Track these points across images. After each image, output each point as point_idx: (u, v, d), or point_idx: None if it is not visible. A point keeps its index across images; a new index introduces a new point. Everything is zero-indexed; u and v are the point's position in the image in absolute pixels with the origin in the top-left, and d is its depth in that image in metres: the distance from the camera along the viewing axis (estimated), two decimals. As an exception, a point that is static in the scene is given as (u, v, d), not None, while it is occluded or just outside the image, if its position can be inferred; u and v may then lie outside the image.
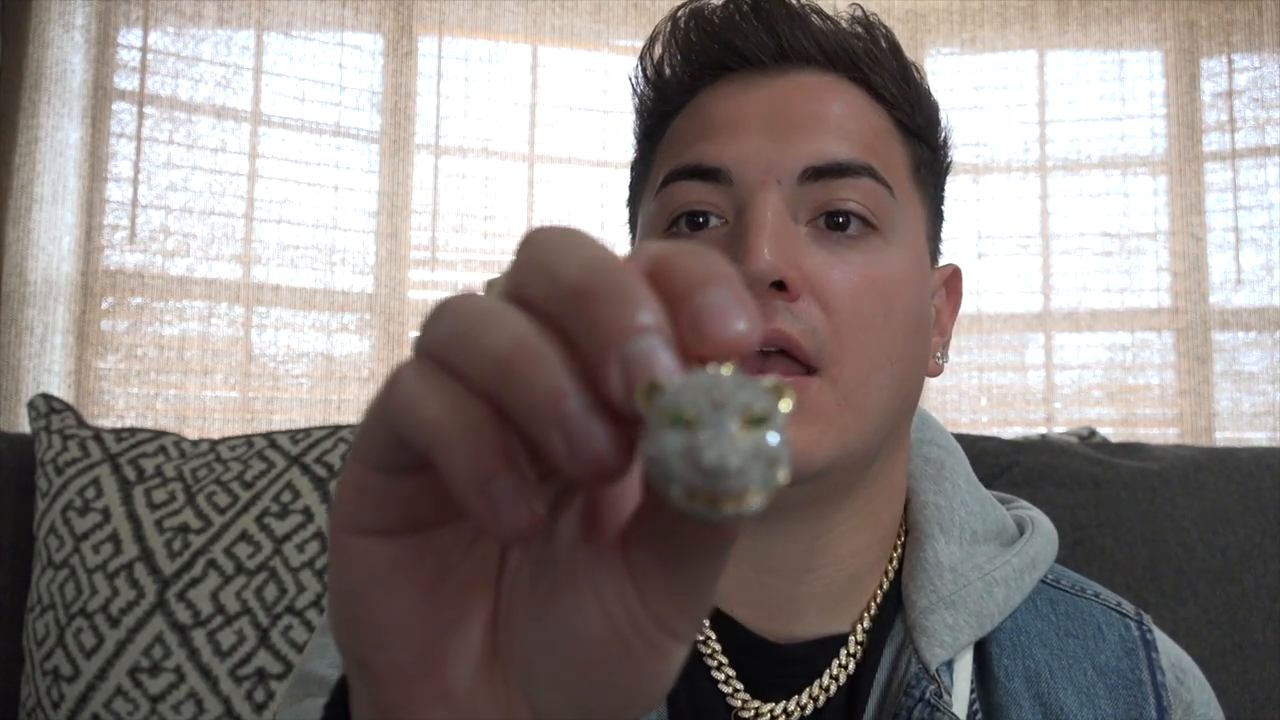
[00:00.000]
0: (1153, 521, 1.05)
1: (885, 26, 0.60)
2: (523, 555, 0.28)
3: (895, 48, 0.59)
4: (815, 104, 0.55)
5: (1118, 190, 2.77)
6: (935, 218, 0.61)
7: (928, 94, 0.61)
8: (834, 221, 0.53)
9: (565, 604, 0.27)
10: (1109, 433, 2.01)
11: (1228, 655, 0.94)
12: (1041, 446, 1.14)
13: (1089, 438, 1.26)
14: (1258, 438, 2.61)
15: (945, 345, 0.62)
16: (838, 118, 0.55)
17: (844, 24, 0.58)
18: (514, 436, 0.23)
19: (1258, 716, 0.96)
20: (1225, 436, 2.65)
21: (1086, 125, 2.78)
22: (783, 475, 0.23)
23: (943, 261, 0.63)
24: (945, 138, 0.62)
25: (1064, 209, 2.76)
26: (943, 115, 0.62)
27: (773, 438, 0.23)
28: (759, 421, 0.22)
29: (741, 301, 0.23)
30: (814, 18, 0.58)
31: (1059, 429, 2.61)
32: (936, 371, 0.60)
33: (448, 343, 0.24)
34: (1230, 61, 2.72)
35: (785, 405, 0.23)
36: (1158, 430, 2.69)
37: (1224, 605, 1.02)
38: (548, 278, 0.24)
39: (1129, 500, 1.06)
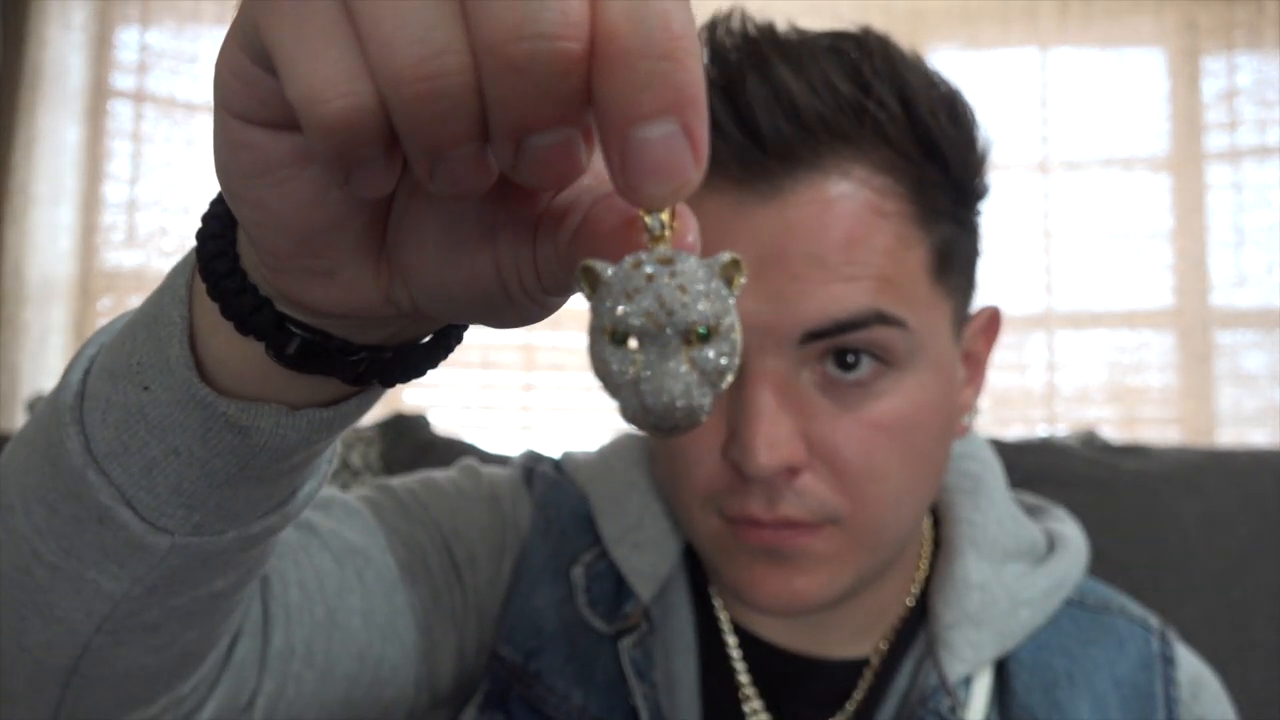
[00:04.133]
0: (1153, 523, 1.05)
1: (887, 56, 0.50)
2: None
3: (906, 98, 0.50)
4: (812, 237, 0.48)
5: (1119, 189, 2.76)
6: (967, 291, 0.56)
7: (953, 132, 0.51)
8: (843, 361, 0.49)
9: (459, 244, 0.26)
10: (1110, 433, 2.01)
11: (1228, 656, 0.94)
12: (1042, 448, 1.14)
13: (1090, 441, 1.26)
14: (1259, 438, 2.61)
15: (977, 393, 0.59)
16: (838, 251, 0.48)
17: (838, 80, 0.49)
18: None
19: (1258, 716, 0.96)
20: (1227, 437, 2.64)
21: (1088, 124, 2.78)
22: (729, 379, 0.22)
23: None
24: (983, 164, 0.54)
25: (1065, 208, 2.76)
26: (979, 136, 0.53)
27: (719, 351, 0.22)
28: (704, 337, 0.22)
29: (695, 137, 0.21)
30: (798, 94, 0.48)
31: (1060, 429, 2.61)
32: (963, 433, 0.58)
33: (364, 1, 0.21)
34: (1231, 61, 2.71)
35: (740, 278, 0.23)
36: (1158, 431, 2.69)
37: (1225, 606, 1.01)
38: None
39: (1130, 501, 1.06)
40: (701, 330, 0.22)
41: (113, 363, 0.33)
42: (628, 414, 0.22)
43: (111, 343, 0.34)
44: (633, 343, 0.22)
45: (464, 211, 0.26)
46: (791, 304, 0.48)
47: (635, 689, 0.55)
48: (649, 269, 0.22)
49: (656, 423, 0.22)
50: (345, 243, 0.26)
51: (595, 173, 0.25)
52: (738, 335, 0.23)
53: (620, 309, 0.22)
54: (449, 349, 0.32)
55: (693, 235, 0.23)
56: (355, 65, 0.21)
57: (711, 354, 0.22)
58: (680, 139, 0.21)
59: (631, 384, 0.22)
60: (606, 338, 0.22)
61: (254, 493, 0.34)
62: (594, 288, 0.23)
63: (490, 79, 0.20)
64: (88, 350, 0.36)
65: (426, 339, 0.32)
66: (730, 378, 0.23)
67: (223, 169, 0.25)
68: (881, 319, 0.49)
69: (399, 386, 0.35)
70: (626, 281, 0.22)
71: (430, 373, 0.33)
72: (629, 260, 0.22)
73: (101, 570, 0.34)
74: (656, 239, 0.22)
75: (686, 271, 0.22)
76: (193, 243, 0.32)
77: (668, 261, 0.22)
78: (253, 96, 0.23)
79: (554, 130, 0.21)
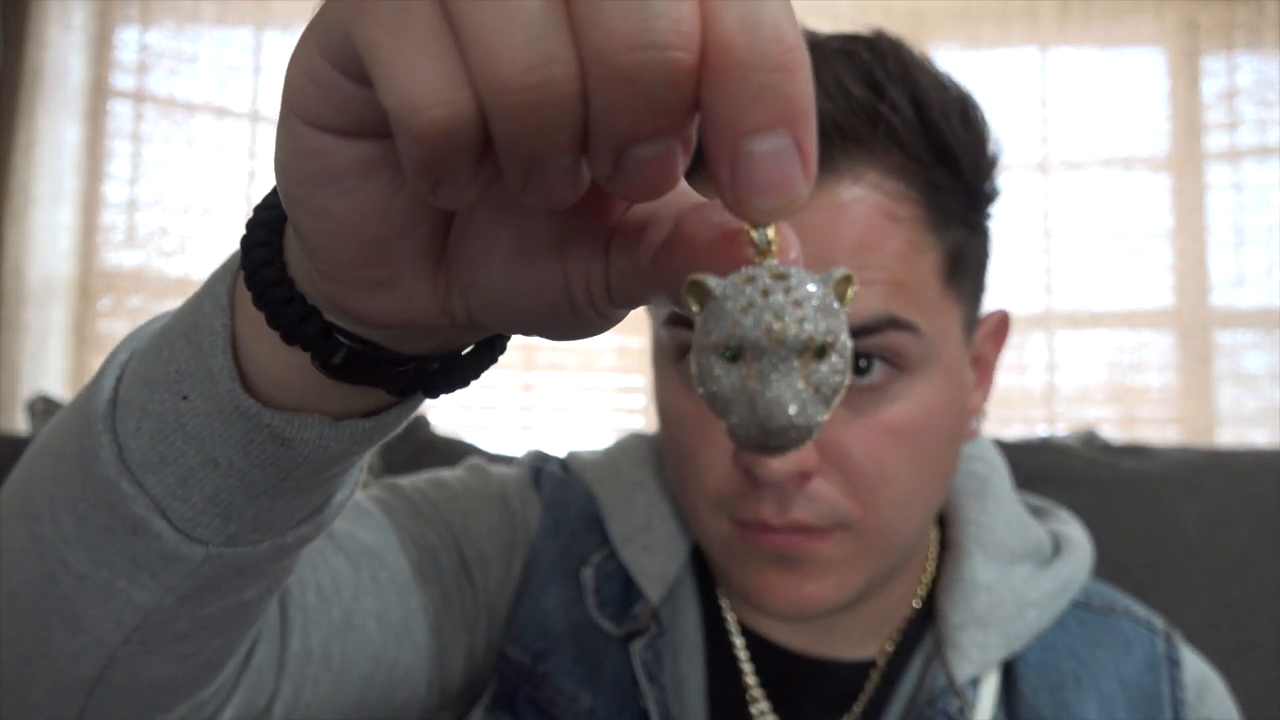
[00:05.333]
0: (1153, 523, 1.05)
1: (899, 60, 0.50)
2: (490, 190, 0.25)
3: (919, 101, 0.50)
4: (826, 244, 0.48)
5: (1119, 189, 2.76)
6: (977, 295, 0.56)
7: (965, 136, 0.51)
8: (855, 366, 0.49)
9: (527, 255, 0.26)
10: (1110, 433, 2.01)
11: (1228, 656, 0.94)
12: (1042, 448, 1.14)
13: (1090, 441, 1.26)
14: (1259, 438, 2.60)
15: (985, 396, 0.59)
16: (854, 254, 0.48)
17: (851, 84, 0.48)
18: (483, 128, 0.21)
19: (1258, 716, 0.96)
20: (1227, 437, 2.64)
21: (1088, 124, 2.77)
22: (841, 395, 0.22)
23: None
24: (993, 168, 0.54)
25: (1065, 208, 2.76)
26: (990, 139, 0.53)
27: (833, 368, 0.22)
28: (819, 353, 0.22)
29: (805, 151, 0.20)
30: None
31: (1060, 429, 2.61)
32: (972, 436, 0.58)
33: (467, 7, 0.20)
34: (1231, 61, 2.71)
35: (851, 293, 0.22)
36: (1158, 431, 2.68)
37: (1225, 606, 1.01)
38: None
39: (1130, 501, 1.06)
40: (818, 347, 0.21)
41: (148, 371, 0.33)
42: (739, 432, 0.22)
43: (145, 349, 0.33)
44: (745, 359, 0.22)
45: (534, 222, 0.25)
46: None
47: (646, 691, 0.55)
48: (763, 283, 0.21)
49: (767, 440, 0.22)
50: (406, 253, 0.26)
51: None
52: (849, 351, 0.22)
53: (735, 324, 0.21)
54: (493, 359, 0.32)
55: (795, 250, 0.23)
56: (455, 73, 0.20)
57: (826, 370, 0.22)
58: (791, 153, 0.20)
59: (747, 402, 0.21)
60: (717, 354, 0.22)
61: (291, 503, 0.33)
62: (702, 303, 0.22)
63: (598, 89, 0.20)
64: (119, 356, 0.35)
65: (469, 349, 0.31)
66: (842, 394, 0.22)
67: (286, 175, 0.25)
68: (894, 324, 0.49)
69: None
70: (740, 296, 0.21)
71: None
72: (740, 275, 0.22)
73: (133, 581, 0.34)
74: (762, 253, 0.22)
75: (801, 287, 0.21)
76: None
77: (781, 277, 0.21)
78: (328, 102, 0.23)
79: (657, 141, 0.21)
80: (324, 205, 0.25)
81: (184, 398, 0.31)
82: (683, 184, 0.25)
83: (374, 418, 0.32)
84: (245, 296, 0.30)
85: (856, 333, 0.48)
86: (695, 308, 0.22)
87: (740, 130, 0.20)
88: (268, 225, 0.29)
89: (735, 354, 0.22)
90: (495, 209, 0.26)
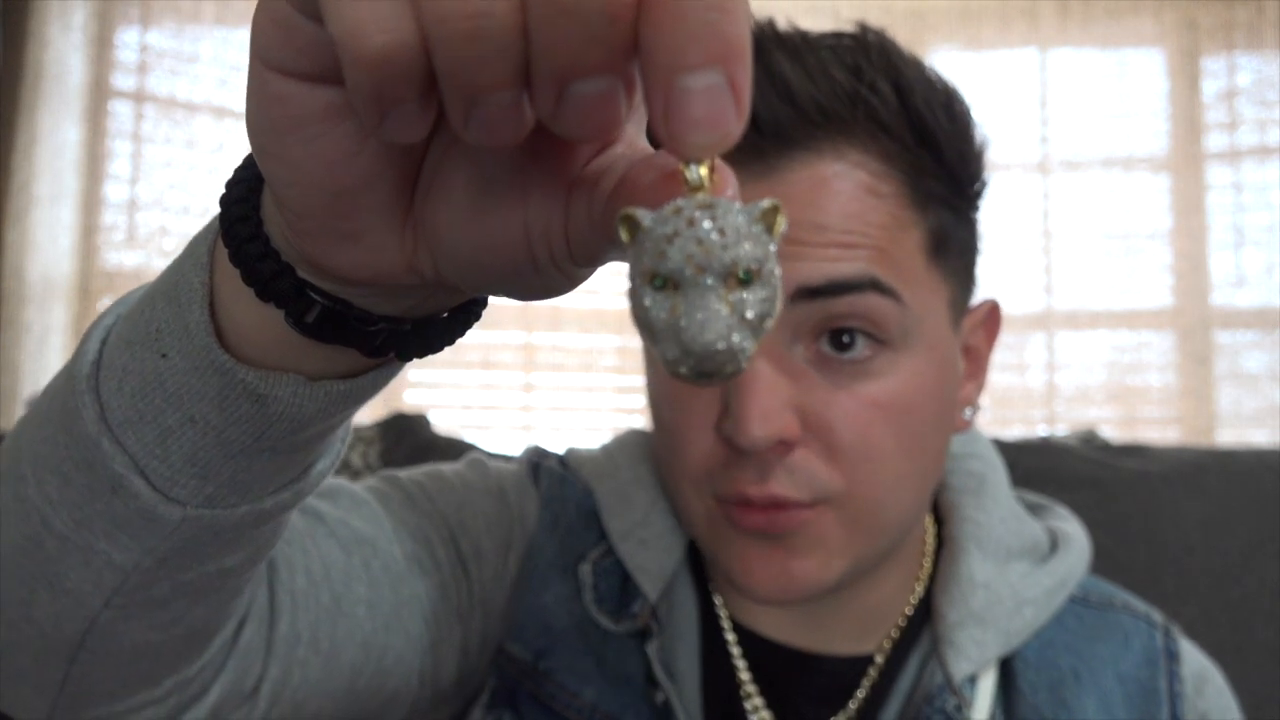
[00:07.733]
0: (1153, 522, 1.05)
1: (884, 52, 0.51)
2: (454, 141, 0.26)
3: (902, 89, 0.51)
4: (809, 208, 0.49)
5: (1119, 189, 2.76)
6: (965, 281, 0.56)
7: (949, 126, 0.52)
8: (839, 341, 0.50)
9: (489, 207, 0.26)
10: (1110, 433, 2.01)
11: (1228, 656, 0.94)
12: (1042, 448, 1.14)
13: (1090, 441, 1.26)
14: (1259, 438, 2.61)
15: (979, 389, 0.59)
16: (836, 220, 0.49)
17: (835, 70, 0.50)
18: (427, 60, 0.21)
19: (1258, 716, 0.96)
20: (1227, 437, 2.64)
21: (1088, 124, 2.78)
22: (770, 324, 0.22)
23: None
24: (979, 161, 0.55)
25: (1065, 208, 2.76)
26: (976, 133, 0.54)
27: (757, 295, 0.22)
28: (745, 281, 0.22)
29: (739, 90, 0.21)
30: (794, 80, 0.49)
31: (1060, 429, 2.61)
32: (965, 428, 0.58)
33: None
34: (1231, 61, 2.71)
35: (781, 225, 0.22)
36: (1158, 431, 2.69)
37: (1225, 606, 1.01)
38: None
39: (1130, 501, 1.06)
40: (742, 274, 0.22)
41: (130, 331, 0.33)
42: (669, 360, 0.22)
43: (129, 312, 0.34)
44: (672, 287, 0.22)
45: (496, 173, 0.26)
46: (787, 263, 0.48)
47: (667, 687, 0.55)
48: (689, 214, 0.22)
49: (698, 367, 0.22)
50: (373, 205, 0.26)
51: (628, 141, 0.25)
52: (778, 281, 0.22)
53: (660, 254, 0.22)
54: (467, 325, 0.32)
55: (732, 189, 0.23)
56: (400, 3, 0.21)
57: (751, 298, 0.22)
58: (725, 90, 0.20)
59: (671, 328, 0.22)
60: (646, 283, 0.22)
61: (268, 465, 0.34)
62: (633, 235, 0.22)
63: (537, 22, 0.20)
64: (105, 320, 0.36)
65: (445, 314, 0.32)
66: (771, 323, 0.22)
67: (254, 124, 0.25)
68: (875, 285, 0.49)
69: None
70: (665, 226, 0.22)
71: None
72: (669, 206, 0.22)
73: (112, 541, 0.34)
74: (695, 190, 0.22)
75: (726, 215, 0.22)
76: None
77: (708, 207, 0.22)
78: (290, 44, 0.23)
79: (597, 78, 0.21)
80: (290, 153, 0.25)
81: (163, 355, 0.32)
82: (643, 140, 0.25)
83: (350, 380, 0.32)
84: (224, 254, 0.30)
85: (839, 289, 0.48)
86: (628, 239, 0.23)
87: (675, 66, 0.20)
88: (245, 183, 0.30)
89: (664, 283, 0.22)
90: (459, 161, 0.26)
